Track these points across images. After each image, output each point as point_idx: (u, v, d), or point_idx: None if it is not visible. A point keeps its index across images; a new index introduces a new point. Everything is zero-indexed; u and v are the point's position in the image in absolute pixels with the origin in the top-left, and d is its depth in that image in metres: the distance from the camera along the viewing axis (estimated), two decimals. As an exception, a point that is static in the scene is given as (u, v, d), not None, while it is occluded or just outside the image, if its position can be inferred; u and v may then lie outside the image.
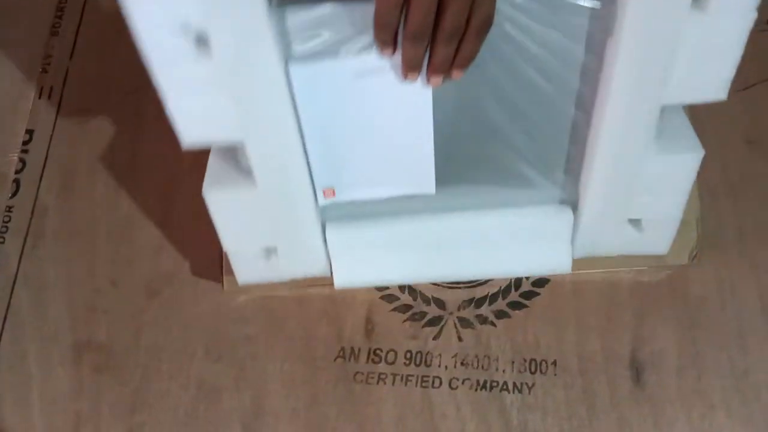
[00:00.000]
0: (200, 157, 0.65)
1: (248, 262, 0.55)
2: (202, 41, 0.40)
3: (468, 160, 0.52)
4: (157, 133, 0.67)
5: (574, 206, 0.54)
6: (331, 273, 0.57)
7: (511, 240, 0.53)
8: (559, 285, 0.60)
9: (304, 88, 0.44)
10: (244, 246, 0.55)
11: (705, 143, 0.62)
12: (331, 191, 0.49)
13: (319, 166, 0.48)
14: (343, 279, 0.53)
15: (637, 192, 0.51)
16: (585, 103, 0.47)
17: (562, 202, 0.54)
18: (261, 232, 0.54)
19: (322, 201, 0.51)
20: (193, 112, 0.44)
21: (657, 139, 0.48)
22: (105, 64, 0.70)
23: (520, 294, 0.60)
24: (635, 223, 0.54)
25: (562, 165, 0.51)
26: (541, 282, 0.60)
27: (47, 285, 0.63)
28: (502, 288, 0.60)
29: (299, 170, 0.49)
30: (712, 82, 0.45)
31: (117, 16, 0.72)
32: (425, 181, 0.50)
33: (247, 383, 0.58)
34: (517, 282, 0.61)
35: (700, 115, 0.64)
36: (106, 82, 0.69)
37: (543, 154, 0.51)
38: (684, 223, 0.56)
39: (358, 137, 0.47)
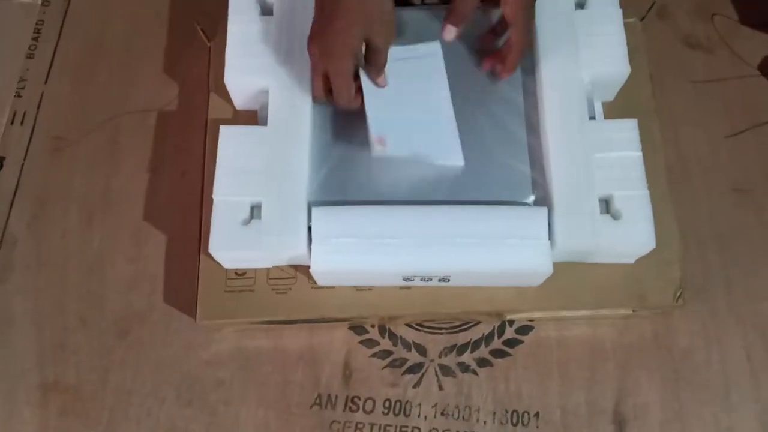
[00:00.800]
0: (176, 191, 0.63)
1: (229, 224, 0.53)
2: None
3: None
4: (133, 162, 0.65)
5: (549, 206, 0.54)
6: (309, 258, 0.55)
7: (489, 235, 0.53)
8: (542, 332, 0.59)
9: None
10: (233, 196, 0.54)
11: (693, 192, 0.62)
12: (382, 140, 0.54)
13: (374, 117, 0.54)
14: (319, 265, 0.52)
15: (596, 167, 0.54)
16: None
17: (537, 202, 0.55)
18: (254, 181, 0.54)
19: (375, 151, 0.55)
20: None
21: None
22: (81, 89, 0.68)
23: (503, 341, 0.59)
24: (611, 209, 0.54)
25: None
26: (524, 329, 0.59)
27: (14, 320, 0.60)
28: (485, 334, 0.59)
29: (305, 125, 0.56)
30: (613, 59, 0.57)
31: (95, 40, 0.71)
32: (453, 154, 0.56)
33: (219, 430, 0.56)
34: (500, 328, 0.59)
35: (688, 163, 0.63)
36: (81, 108, 0.67)
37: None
38: (666, 262, 0.55)
39: (400, 104, 0.56)
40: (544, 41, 0.58)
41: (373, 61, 0.53)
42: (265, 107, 0.57)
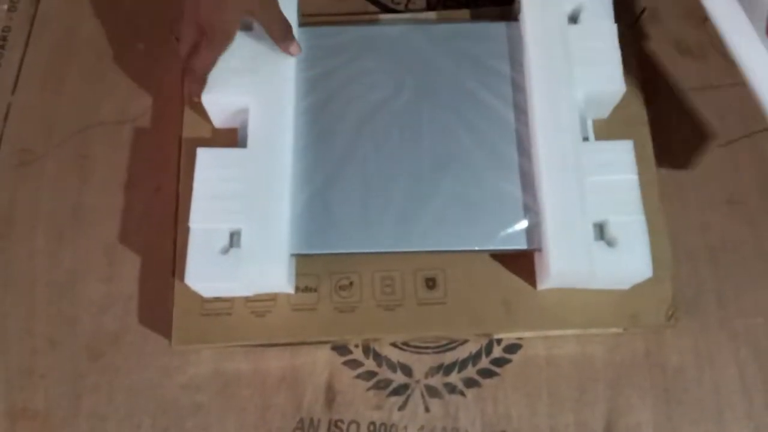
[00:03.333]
0: (150, 207, 0.61)
1: (206, 253, 0.50)
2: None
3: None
4: (104, 178, 0.62)
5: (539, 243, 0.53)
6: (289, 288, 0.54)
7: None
8: (531, 350, 0.57)
9: None
10: (211, 223, 0.51)
11: (685, 204, 0.61)
12: None
13: None
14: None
15: (590, 191, 0.52)
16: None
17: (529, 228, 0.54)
18: (233, 207, 0.52)
19: None
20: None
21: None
22: (50, 100, 0.64)
23: (491, 360, 0.57)
24: (606, 235, 0.52)
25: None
26: (512, 348, 0.57)
27: (-20, 344, 0.57)
28: (473, 353, 0.57)
29: (287, 147, 0.54)
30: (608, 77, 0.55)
31: (64, 48, 0.68)
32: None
33: (197, 458, 0.54)
34: (488, 347, 0.57)
35: (680, 174, 0.61)
36: (50, 119, 0.64)
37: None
38: (657, 280, 0.53)
39: None
40: (535, 58, 0.55)
41: (272, 33, 0.54)
42: (245, 127, 0.54)
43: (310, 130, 0.56)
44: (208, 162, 0.53)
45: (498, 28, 0.59)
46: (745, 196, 0.61)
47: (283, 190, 0.52)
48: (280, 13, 0.54)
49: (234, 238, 0.51)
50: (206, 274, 0.50)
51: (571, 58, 0.55)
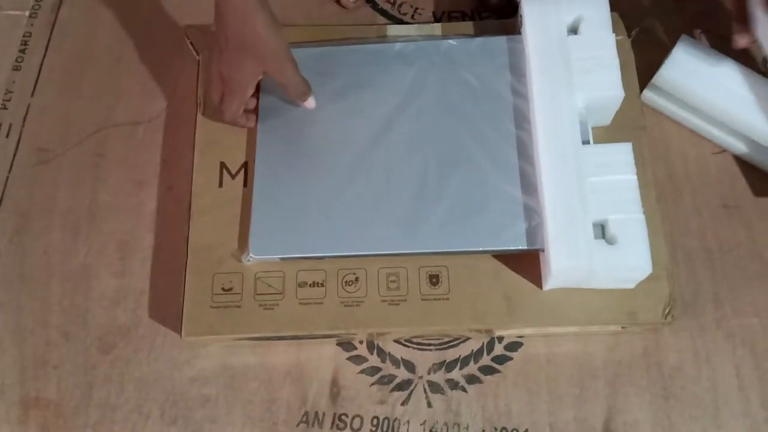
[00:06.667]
0: (163, 205, 0.63)
1: None
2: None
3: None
4: (118, 177, 0.64)
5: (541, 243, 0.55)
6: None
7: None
8: (531, 348, 0.58)
9: None
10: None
11: (682, 208, 0.62)
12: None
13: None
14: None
15: (590, 191, 0.54)
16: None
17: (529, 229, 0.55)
18: None
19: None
20: None
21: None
22: (68, 101, 0.67)
23: (493, 358, 0.58)
24: (606, 234, 0.53)
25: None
26: (513, 346, 0.59)
27: (-5, 335, 0.59)
28: (474, 351, 0.59)
29: None
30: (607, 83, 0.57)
31: (82, 52, 0.71)
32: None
33: (204, 448, 0.55)
34: (490, 345, 0.59)
35: (677, 179, 0.63)
36: (68, 120, 0.66)
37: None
38: (655, 278, 0.54)
39: None
40: (537, 67, 0.58)
41: (288, 92, 0.57)
42: None
43: (325, 139, 0.59)
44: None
45: (499, 42, 0.61)
46: (740, 201, 0.62)
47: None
48: (295, 74, 0.56)
49: None
50: None
51: (571, 67, 0.57)
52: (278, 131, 0.59)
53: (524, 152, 0.57)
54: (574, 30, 0.59)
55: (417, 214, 0.56)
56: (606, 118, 0.60)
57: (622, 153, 0.55)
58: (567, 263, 0.52)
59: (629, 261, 0.52)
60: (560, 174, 0.54)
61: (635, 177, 0.54)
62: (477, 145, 0.58)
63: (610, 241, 0.53)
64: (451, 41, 0.62)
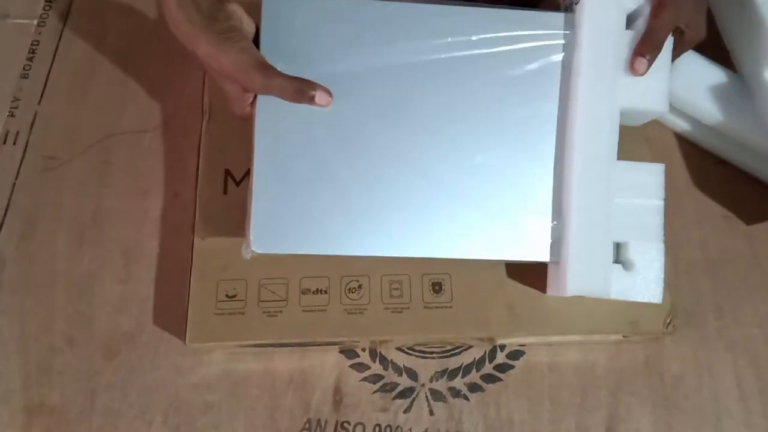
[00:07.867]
0: (168, 212, 0.63)
1: None
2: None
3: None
4: (124, 185, 0.64)
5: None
6: None
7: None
8: (534, 357, 0.59)
9: None
10: None
11: (683, 218, 0.63)
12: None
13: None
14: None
15: (616, 211, 0.52)
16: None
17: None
18: None
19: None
20: None
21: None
22: (74, 109, 0.67)
23: (494, 366, 0.59)
24: (623, 257, 0.53)
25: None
26: (515, 354, 0.59)
27: (0, 340, 0.59)
28: (476, 359, 0.59)
29: None
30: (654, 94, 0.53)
31: (88, 61, 0.71)
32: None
33: (207, 455, 0.55)
34: (492, 353, 0.59)
35: (678, 190, 0.64)
36: (74, 128, 0.67)
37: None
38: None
39: None
40: (588, 60, 0.51)
41: (283, 98, 0.50)
42: None
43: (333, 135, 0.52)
44: None
45: (554, 18, 0.52)
46: (740, 212, 0.63)
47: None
48: (269, 81, 0.48)
49: None
50: None
51: (620, 69, 0.52)
52: (279, 115, 0.51)
53: (558, 157, 0.53)
54: (633, 19, 0.53)
55: (431, 218, 0.52)
56: (635, 122, 0.58)
57: (654, 174, 0.53)
58: (584, 286, 0.52)
59: (643, 290, 0.52)
60: (591, 189, 0.52)
61: (662, 203, 0.53)
62: (508, 143, 0.52)
63: (627, 266, 0.52)
64: (491, 9, 0.52)
